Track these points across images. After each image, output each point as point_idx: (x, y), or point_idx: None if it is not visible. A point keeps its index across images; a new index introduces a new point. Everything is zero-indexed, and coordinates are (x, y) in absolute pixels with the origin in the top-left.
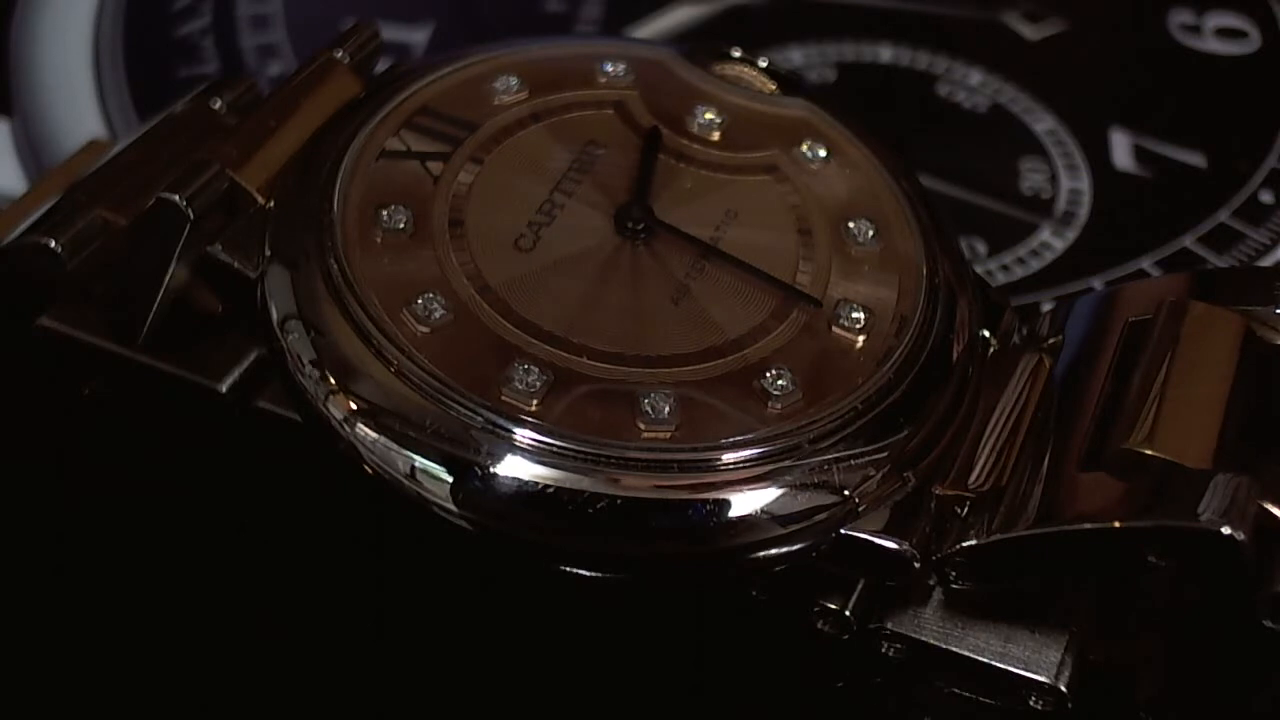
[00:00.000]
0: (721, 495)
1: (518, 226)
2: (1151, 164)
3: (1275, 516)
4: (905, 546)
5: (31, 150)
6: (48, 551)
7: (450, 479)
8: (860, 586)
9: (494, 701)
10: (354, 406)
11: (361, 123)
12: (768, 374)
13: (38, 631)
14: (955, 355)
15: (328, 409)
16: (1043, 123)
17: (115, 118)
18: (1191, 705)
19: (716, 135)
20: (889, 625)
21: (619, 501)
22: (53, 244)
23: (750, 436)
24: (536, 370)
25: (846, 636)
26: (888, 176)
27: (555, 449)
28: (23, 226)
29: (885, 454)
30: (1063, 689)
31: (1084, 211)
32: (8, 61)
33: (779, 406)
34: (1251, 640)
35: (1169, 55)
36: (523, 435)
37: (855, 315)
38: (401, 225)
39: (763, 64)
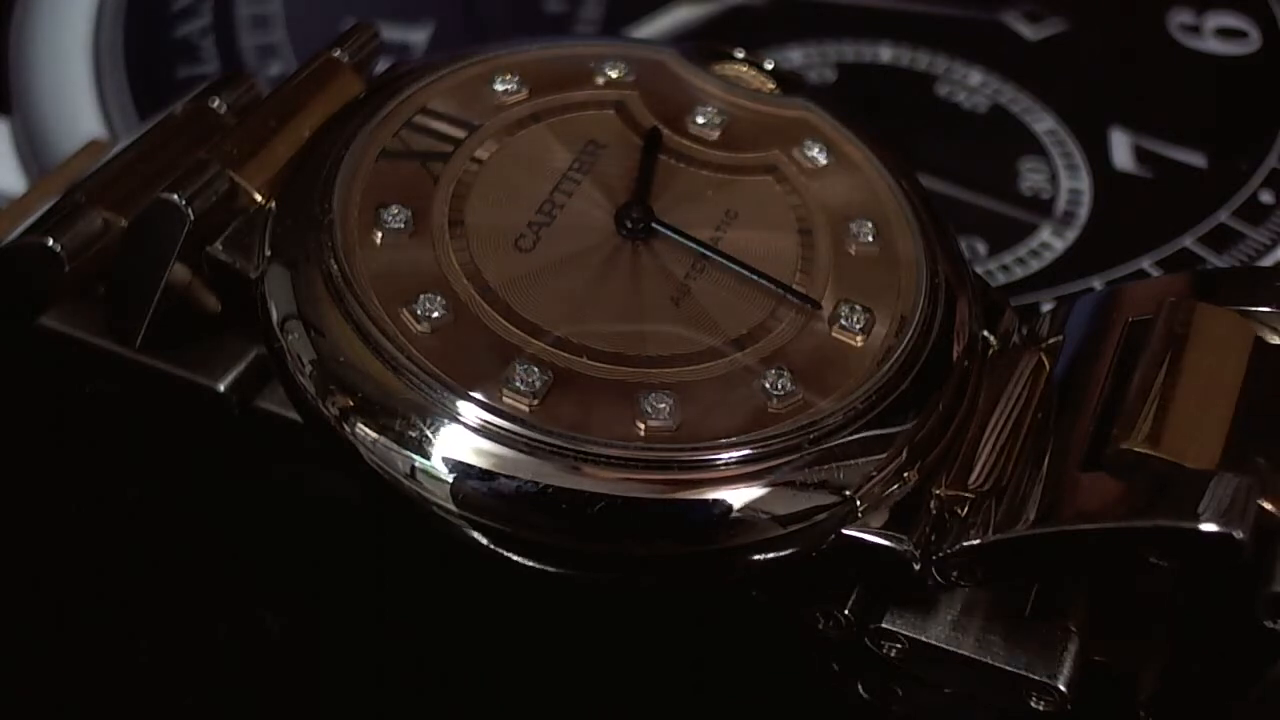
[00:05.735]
0: (721, 495)
1: (518, 226)
2: (1151, 164)
3: (1275, 516)
4: (905, 546)
5: (31, 150)
6: (48, 551)
7: (450, 479)
8: (860, 586)
9: (494, 701)
10: (354, 406)
11: (361, 123)
12: (768, 374)
13: (38, 631)
14: (955, 355)
15: (327, 409)
16: (1043, 123)
17: (115, 118)
18: (1191, 705)
19: (717, 135)
20: (889, 625)
21: (619, 501)
22: (52, 244)
23: (750, 436)
24: (536, 370)
25: (846, 636)
26: (888, 176)
27: (555, 449)
28: (23, 226)
29: (885, 454)
30: (1063, 689)
31: (1084, 211)
32: (7, 61)
33: (779, 406)
34: (1251, 640)
35: (1169, 55)
36: (523, 435)
37: (855, 315)
38: (401, 225)
39: (763, 64)
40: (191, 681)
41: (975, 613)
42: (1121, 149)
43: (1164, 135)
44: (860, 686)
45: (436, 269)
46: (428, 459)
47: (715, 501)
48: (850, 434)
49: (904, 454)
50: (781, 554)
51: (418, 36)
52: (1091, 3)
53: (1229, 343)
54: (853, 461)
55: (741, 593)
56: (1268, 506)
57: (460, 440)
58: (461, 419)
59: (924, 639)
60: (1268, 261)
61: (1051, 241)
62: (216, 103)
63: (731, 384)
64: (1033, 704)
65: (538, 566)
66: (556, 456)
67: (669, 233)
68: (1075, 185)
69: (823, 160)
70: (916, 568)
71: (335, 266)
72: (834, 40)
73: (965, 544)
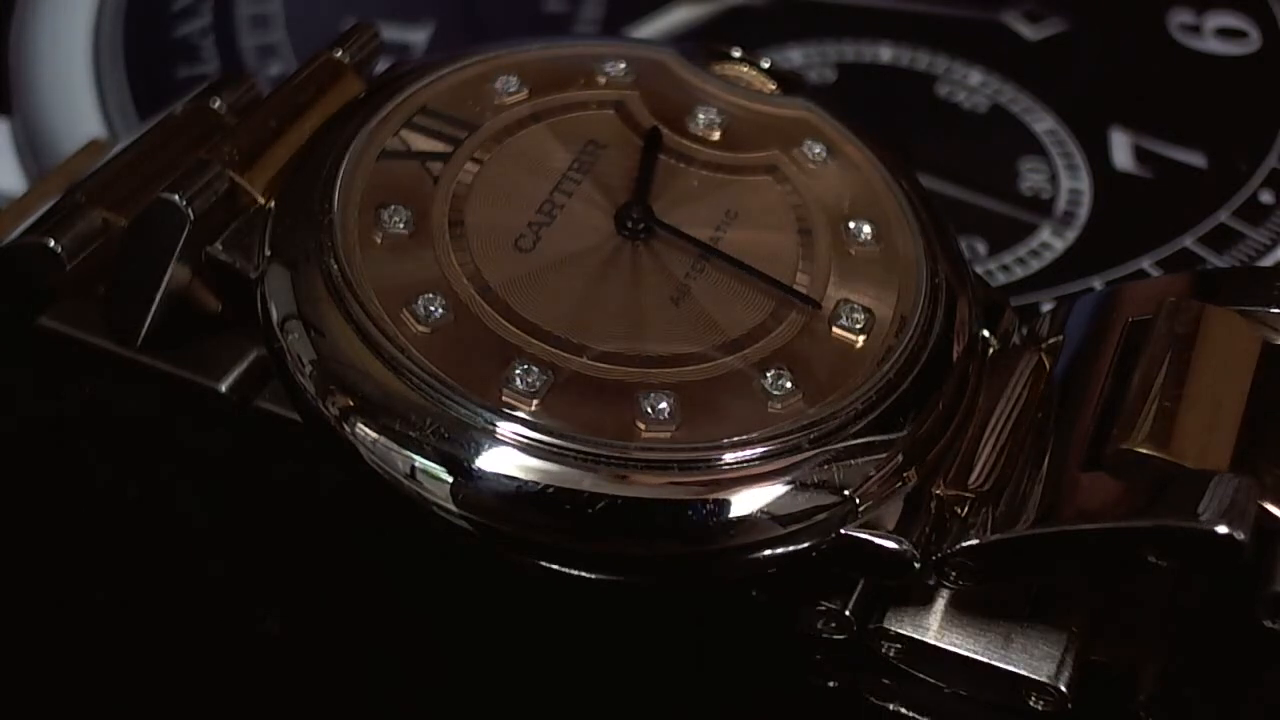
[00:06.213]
0: (721, 495)
1: (518, 226)
2: (1151, 164)
3: (1275, 516)
4: (905, 546)
5: (31, 150)
6: (48, 551)
7: (450, 479)
8: (860, 586)
9: (494, 701)
10: (353, 406)
11: (361, 123)
12: (768, 374)
13: (38, 631)
14: (955, 355)
15: (327, 409)
16: (1043, 123)
17: (115, 118)
18: (1191, 705)
19: (717, 135)
20: (889, 625)
21: (619, 501)
22: (53, 244)
23: (750, 436)
24: (536, 370)
25: (846, 636)
26: (888, 176)
27: (555, 449)
28: (23, 226)
29: (885, 454)
30: (1063, 689)
31: (1084, 211)
32: (8, 61)
33: (779, 406)
34: (1251, 640)
35: (1169, 55)
36: (523, 435)
37: (855, 315)
38: (401, 225)
39: (763, 64)
40: (192, 681)
41: (975, 613)
42: (1121, 149)
43: (1164, 135)
44: (860, 686)
45: (436, 269)
46: (428, 459)
47: (715, 501)
48: (850, 434)
49: (904, 454)
50: (781, 554)
51: (418, 36)
52: (1091, 3)
53: (1234, 345)
54: (853, 461)
55: (741, 593)
56: (1268, 506)
57: (460, 440)
58: (461, 419)
59: (924, 639)
60: (1268, 261)
61: (1051, 241)
62: (217, 103)
63: (731, 384)
64: (1032, 704)
65: (537, 566)
66: (556, 456)
67: (669, 233)
68: (1075, 185)
69: (823, 160)
70: (916, 567)
71: (335, 266)
72: (834, 40)
73: (965, 544)
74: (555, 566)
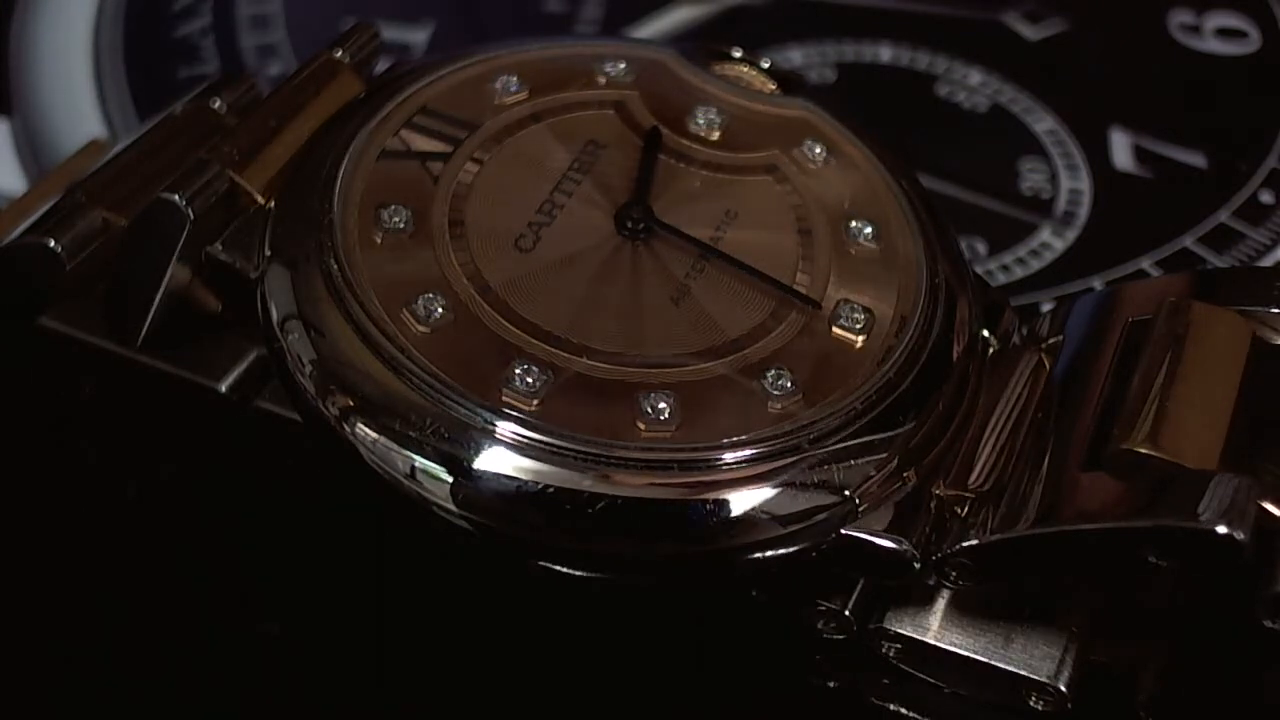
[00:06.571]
0: (721, 495)
1: (518, 226)
2: (1151, 164)
3: (1275, 516)
4: (905, 546)
5: (31, 150)
6: (48, 551)
7: (450, 479)
8: (860, 586)
9: (493, 702)
10: (353, 406)
11: (361, 123)
12: (768, 374)
13: (37, 632)
14: (955, 355)
15: (327, 409)
16: (1043, 123)
17: (115, 118)
18: (1191, 705)
19: (717, 135)
20: (889, 625)
21: (619, 501)
22: (53, 244)
23: (750, 436)
24: (536, 370)
25: (846, 636)
26: (888, 176)
27: (555, 449)
28: (23, 226)
29: (885, 454)
30: (1063, 689)
31: (1084, 211)
32: (8, 61)
33: (779, 406)
34: (1251, 640)
35: (1169, 55)
36: (523, 435)
37: (855, 315)
38: (401, 225)
39: (763, 64)
40: (192, 682)
41: (975, 613)
42: (1121, 149)
43: (1164, 135)
44: (860, 686)
45: (436, 269)
46: (428, 459)
47: (715, 501)
48: (850, 434)
49: (904, 454)
50: (781, 554)
51: (418, 36)
52: (1091, 3)
53: (1228, 342)
54: (852, 461)
55: (741, 593)
56: (1268, 507)
57: (460, 440)
58: (461, 419)
59: (924, 639)
60: (1268, 261)
61: (1051, 241)
62: (217, 103)
63: (731, 384)
64: (1033, 704)
65: (537, 566)
66: (556, 456)
67: (669, 233)
68: (1075, 185)
69: (823, 160)
70: (916, 567)
71: (335, 266)
72: (834, 40)
73: (965, 544)
74: (555, 566)
